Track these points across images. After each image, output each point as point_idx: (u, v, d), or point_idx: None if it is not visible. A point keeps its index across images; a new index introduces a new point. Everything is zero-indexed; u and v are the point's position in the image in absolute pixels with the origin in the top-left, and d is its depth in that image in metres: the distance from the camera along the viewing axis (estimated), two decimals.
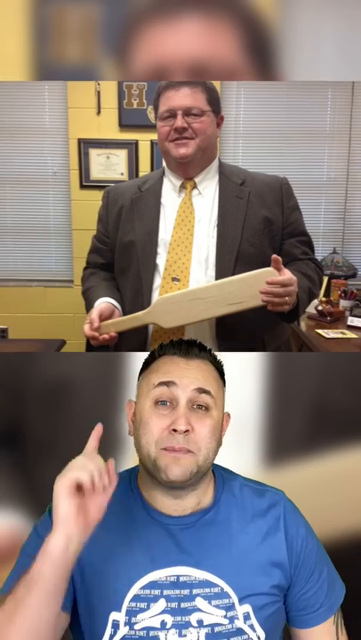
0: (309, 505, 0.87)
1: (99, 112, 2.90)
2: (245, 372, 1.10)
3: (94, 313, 1.28)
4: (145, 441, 0.78)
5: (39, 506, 0.88)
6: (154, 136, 2.72)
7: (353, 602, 0.85)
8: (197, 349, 0.83)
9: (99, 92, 2.86)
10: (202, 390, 0.79)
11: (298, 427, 1.07)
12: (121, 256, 1.42)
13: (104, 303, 1.34)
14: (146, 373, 0.83)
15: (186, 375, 0.79)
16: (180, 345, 0.83)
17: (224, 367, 0.87)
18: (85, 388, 1.13)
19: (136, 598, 0.75)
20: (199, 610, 0.75)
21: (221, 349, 1.30)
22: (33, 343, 2.05)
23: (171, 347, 0.83)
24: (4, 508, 1.05)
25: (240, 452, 1.04)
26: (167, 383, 0.79)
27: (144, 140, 2.92)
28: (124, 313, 1.36)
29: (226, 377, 0.87)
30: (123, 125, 2.90)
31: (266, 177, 1.44)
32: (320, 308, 2.49)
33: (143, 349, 1.33)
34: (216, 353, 0.87)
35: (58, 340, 2.06)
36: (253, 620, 0.77)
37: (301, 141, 3.04)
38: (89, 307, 1.38)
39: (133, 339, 1.35)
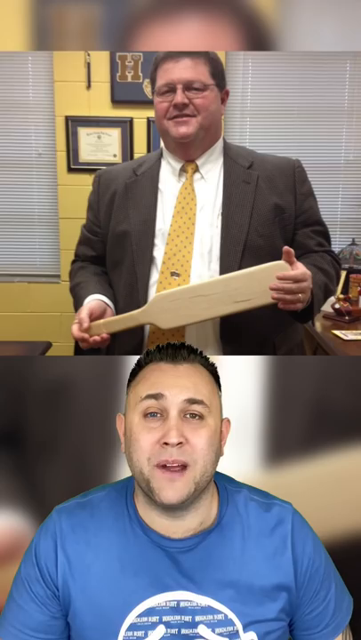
0: (309, 505, 0.91)
1: (89, 86, 2.90)
2: (246, 374, 1.13)
3: (84, 312, 1.28)
4: (136, 458, 0.79)
5: (39, 506, 0.96)
6: (151, 113, 2.71)
7: (353, 602, 0.89)
8: (186, 352, 0.84)
9: (89, 64, 2.86)
10: (193, 401, 0.79)
11: (298, 428, 1.13)
12: (114, 248, 1.42)
13: (95, 301, 1.34)
14: (133, 384, 0.84)
15: (175, 384, 0.80)
16: (167, 350, 0.84)
17: (226, 370, 0.89)
18: (75, 395, 1.14)
19: (133, 627, 0.77)
20: (201, 637, 0.78)
21: (226, 353, 1.31)
22: (15, 346, 2.05)
23: (157, 352, 0.84)
24: (4, 508, 1.11)
25: (240, 453, 1.10)
26: (155, 395, 0.80)
27: (140, 117, 2.92)
28: (118, 312, 1.36)
29: (226, 379, 0.88)
30: (116, 101, 2.90)
31: (276, 159, 1.44)
32: (337, 306, 2.49)
33: (139, 353, 1.33)
34: (217, 356, 0.88)
35: (43, 343, 2.06)
36: None
37: (316, 119, 3.05)
38: (78, 305, 1.38)
39: (128, 341, 1.35)
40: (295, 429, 1.13)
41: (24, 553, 0.85)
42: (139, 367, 0.85)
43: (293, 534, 0.84)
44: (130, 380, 0.86)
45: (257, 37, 0.89)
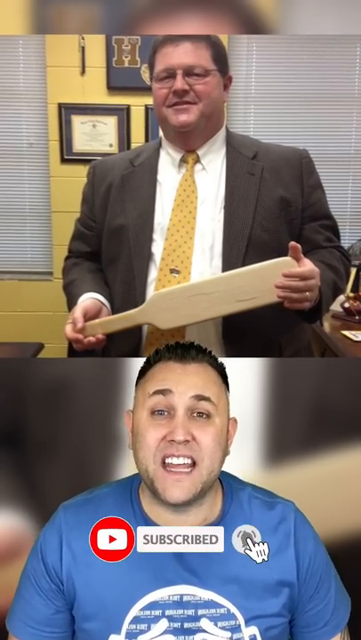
0: (310, 505, 0.96)
1: (83, 72, 2.90)
2: (247, 376, 1.16)
3: (78, 311, 1.28)
4: (142, 455, 0.83)
5: (39, 506, 1.05)
6: (149, 100, 2.72)
7: (353, 602, 0.93)
8: (195, 352, 0.89)
9: (83, 48, 2.86)
10: (201, 397, 0.84)
11: (298, 428, 1.18)
12: (110, 243, 1.42)
13: (90, 299, 1.34)
14: (141, 382, 0.90)
15: (183, 381, 0.85)
16: (176, 349, 0.89)
17: (227, 371, 0.92)
18: (70, 399, 1.14)
19: (136, 620, 0.83)
20: (204, 631, 0.83)
21: (229, 354, 1.31)
22: (5, 347, 2.05)
23: (166, 351, 0.89)
24: (4, 508, 1.15)
25: (242, 453, 1.14)
26: (163, 391, 0.84)
27: (137, 104, 2.92)
28: (114, 311, 1.36)
29: (228, 380, 0.93)
30: (112, 87, 2.91)
31: (282, 149, 1.44)
32: (347, 305, 2.49)
33: (136, 354, 1.33)
34: (218, 358, 0.92)
35: (35, 344, 2.06)
36: None
37: (325, 106, 3.05)
38: (71, 304, 1.38)
39: (125, 342, 1.35)
40: (295, 430, 1.17)
41: (31, 549, 0.90)
42: (148, 365, 0.90)
43: (296, 532, 0.89)
44: (138, 378, 0.91)
45: (258, 20, 0.89)
